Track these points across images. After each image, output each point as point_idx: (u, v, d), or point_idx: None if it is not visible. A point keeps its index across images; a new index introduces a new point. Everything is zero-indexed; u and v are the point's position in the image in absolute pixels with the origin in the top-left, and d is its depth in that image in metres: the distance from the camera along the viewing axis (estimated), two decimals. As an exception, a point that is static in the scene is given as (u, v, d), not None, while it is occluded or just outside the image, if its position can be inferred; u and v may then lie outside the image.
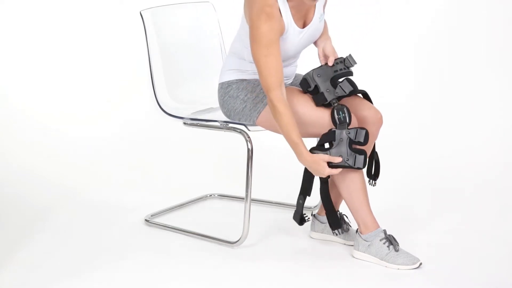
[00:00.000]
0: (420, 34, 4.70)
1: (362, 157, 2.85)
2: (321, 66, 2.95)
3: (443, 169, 3.97)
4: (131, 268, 2.91)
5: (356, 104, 2.97)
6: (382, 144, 3.30)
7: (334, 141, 2.85)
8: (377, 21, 4.76)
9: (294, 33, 2.92)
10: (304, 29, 2.95)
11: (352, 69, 2.95)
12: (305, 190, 3.01)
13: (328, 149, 2.86)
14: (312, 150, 2.88)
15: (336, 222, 3.02)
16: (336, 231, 3.04)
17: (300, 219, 3.04)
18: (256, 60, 2.86)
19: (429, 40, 4.69)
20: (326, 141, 2.88)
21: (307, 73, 2.93)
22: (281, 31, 2.87)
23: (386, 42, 4.74)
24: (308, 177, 2.99)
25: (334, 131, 2.85)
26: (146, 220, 3.35)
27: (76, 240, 3.19)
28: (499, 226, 3.28)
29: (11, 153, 4.15)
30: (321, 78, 2.91)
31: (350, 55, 2.94)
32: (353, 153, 2.85)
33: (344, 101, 2.96)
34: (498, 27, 4.63)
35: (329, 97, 2.89)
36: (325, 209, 3.02)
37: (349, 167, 2.86)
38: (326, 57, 2.99)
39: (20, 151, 4.17)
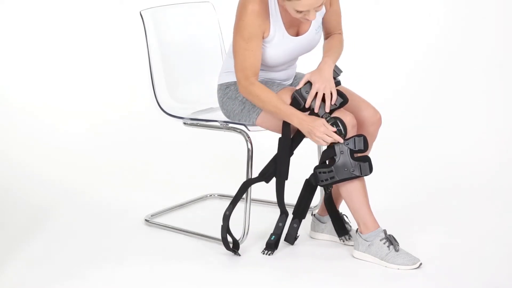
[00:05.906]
0: (419, 33, 4.70)
1: (366, 164, 2.86)
2: (308, 82, 2.90)
3: (443, 169, 3.97)
4: (131, 267, 2.91)
5: (355, 104, 2.96)
6: (382, 144, 3.30)
7: (336, 156, 2.85)
8: (375, 18, 4.76)
9: (284, 40, 2.90)
10: (298, 37, 2.94)
11: (340, 77, 2.92)
12: (301, 212, 3.00)
13: (332, 165, 2.86)
14: (316, 169, 2.88)
15: (343, 229, 3.04)
16: (342, 237, 3.05)
17: (294, 240, 3.05)
18: (234, 51, 2.86)
19: (428, 40, 4.68)
20: (328, 158, 2.88)
21: (296, 91, 2.90)
22: (264, 30, 2.85)
23: (386, 41, 4.74)
24: (307, 196, 2.97)
25: (333, 146, 2.85)
26: (146, 220, 3.35)
27: (76, 240, 3.19)
28: (499, 226, 3.28)
29: (11, 153, 4.14)
30: (309, 94, 2.88)
31: (335, 65, 2.92)
32: (357, 162, 2.85)
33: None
34: (495, 25, 4.63)
35: (320, 112, 2.88)
36: (330, 216, 3.03)
37: (357, 177, 2.86)
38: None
39: (20, 151, 4.17)
